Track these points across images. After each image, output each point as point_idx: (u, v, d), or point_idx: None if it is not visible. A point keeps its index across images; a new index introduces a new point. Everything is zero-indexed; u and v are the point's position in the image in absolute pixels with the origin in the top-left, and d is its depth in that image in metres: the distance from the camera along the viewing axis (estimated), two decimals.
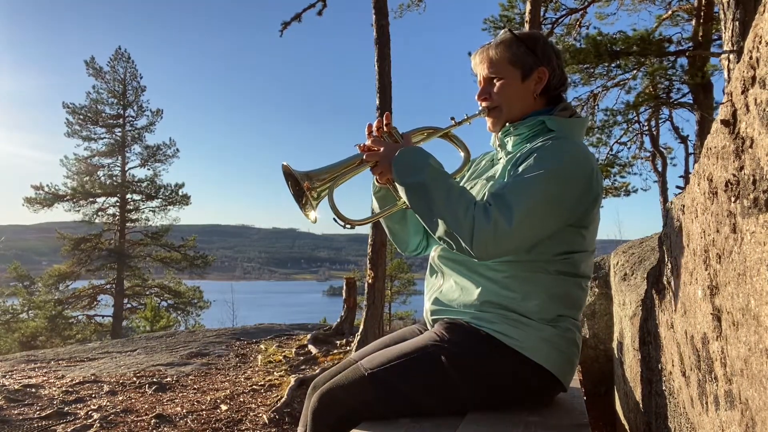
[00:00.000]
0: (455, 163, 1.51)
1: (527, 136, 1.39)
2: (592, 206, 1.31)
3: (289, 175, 1.35)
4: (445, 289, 1.42)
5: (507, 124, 1.42)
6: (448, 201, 1.22)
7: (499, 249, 1.19)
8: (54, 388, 4.32)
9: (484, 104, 1.44)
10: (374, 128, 1.41)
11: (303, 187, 1.32)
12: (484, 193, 1.35)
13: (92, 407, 3.87)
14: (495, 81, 1.42)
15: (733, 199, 0.69)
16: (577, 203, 1.26)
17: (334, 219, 1.35)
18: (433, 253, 1.50)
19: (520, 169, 1.26)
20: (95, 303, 19.89)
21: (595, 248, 1.42)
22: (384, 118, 1.41)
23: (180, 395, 4.22)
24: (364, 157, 1.38)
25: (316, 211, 1.36)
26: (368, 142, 1.40)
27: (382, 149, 1.36)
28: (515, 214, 1.17)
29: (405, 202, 1.35)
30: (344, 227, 1.37)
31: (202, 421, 3.59)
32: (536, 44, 1.41)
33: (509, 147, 1.42)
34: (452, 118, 1.47)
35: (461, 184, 1.41)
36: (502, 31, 1.48)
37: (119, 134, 20.86)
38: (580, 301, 1.38)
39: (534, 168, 1.23)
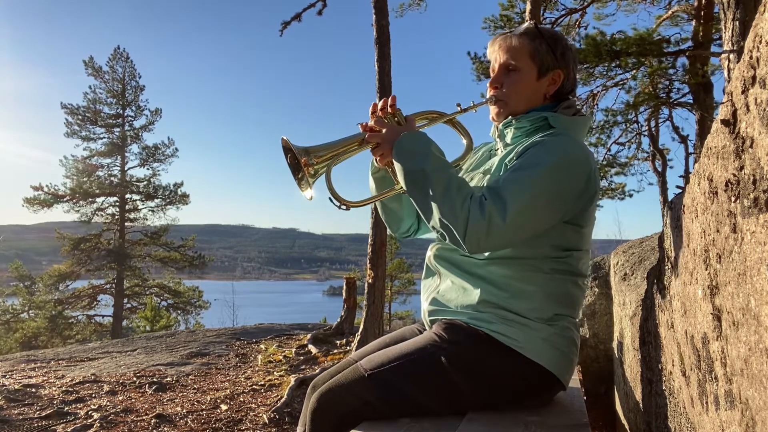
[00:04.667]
0: (453, 150, 1.49)
1: (528, 130, 1.37)
2: (588, 204, 1.31)
3: (288, 150, 1.32)
4: (443, 289, 1.41)
5: (510, 116, 1.41)
6: (447, 192, 1.20)
7: (491, 244, 1.19)
8: (54, 388, 4.32)
9: (492, 93, 1.43)
10: (379, 108, 1.39)
11: (300, 162, 1.29)
12: (481, 187, 1.33)
13: (92, 407, 3.87)
14: (510, 71, 1.40)
15: (733, 198, 0.69)
16: (573, 201, 1.26)
17: (330, 199, 1.33)
18: (429, 253, 1.49)
19: (518, 163, 1.25)
20: (95, 303, 19.90)
21: (591, 247, 1.42)
22: (390, 99, 1.38)
23: (180, 395, 4.22)
24: (366, 137, 1.36)
25: (313, 189, 1.33)
26: (371, 122, 1.38)
27: (384, 131, 1.34)
28: (509, 210, 1.16)
29: (402, 187, 1.33)
30: (339, 208, 1.34)
31: (202, 421, 3.59)
32: (557, 45, 1.39)
33: (508, 139, 1.41)
34: (458, 105, 1.44)
35: (460, 175, 1.39)
36: (527, 23, 1.47)
37: (118, 134, 20.86)
38: (578, 300, 1.38)
39: (532, 163, 1.22)
